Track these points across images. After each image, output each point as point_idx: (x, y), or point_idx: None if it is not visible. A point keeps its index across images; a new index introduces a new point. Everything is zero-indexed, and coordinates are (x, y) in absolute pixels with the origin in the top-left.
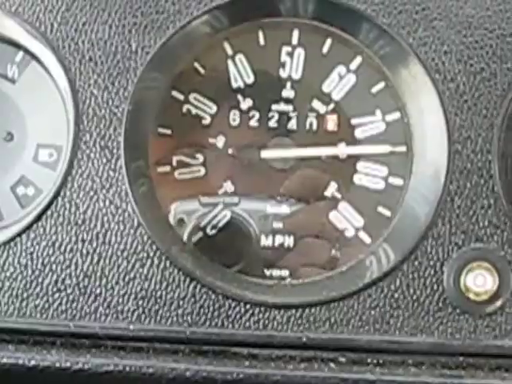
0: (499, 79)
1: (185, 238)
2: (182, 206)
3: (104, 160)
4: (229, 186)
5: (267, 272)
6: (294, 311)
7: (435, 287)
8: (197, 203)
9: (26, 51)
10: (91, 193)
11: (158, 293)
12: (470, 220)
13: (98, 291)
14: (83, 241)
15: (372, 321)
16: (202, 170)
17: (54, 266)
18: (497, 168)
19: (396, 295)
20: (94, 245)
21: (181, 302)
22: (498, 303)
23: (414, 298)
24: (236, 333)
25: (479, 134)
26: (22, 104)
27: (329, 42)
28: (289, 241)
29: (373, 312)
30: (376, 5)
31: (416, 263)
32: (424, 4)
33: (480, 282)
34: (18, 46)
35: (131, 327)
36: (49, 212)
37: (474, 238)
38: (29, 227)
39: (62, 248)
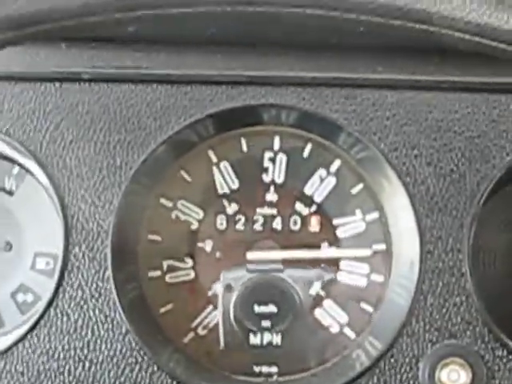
0: (468, 180)
1: (232, 303)
2: (230, 274)
3: (93, 271)
4: (218, 288)
5: (256, 369)
6: None
7: (411, 383)
8: (244, 270)
9: (21, 165)
10: (81, 302)
11: None
12: (443, 317)
13: None
14: (75, 348)
15: None
16: (192, 274)
17: (48, 373)
18: (467, 266)
19: None
20: (86, 352)
21: None
22: None
23: None
24: None
25: (450, 234)
26: (20, 215)
27: (309, 146)
28: (277, 339)
29: None
30: (348, 113)
31: (392, 360)
32: (394, 110)
33: (454, 377)
34: (13, 160)
35: None
36: (42, 321)
37: (447, 334)
38: (25, 336)
39: (56, 356)
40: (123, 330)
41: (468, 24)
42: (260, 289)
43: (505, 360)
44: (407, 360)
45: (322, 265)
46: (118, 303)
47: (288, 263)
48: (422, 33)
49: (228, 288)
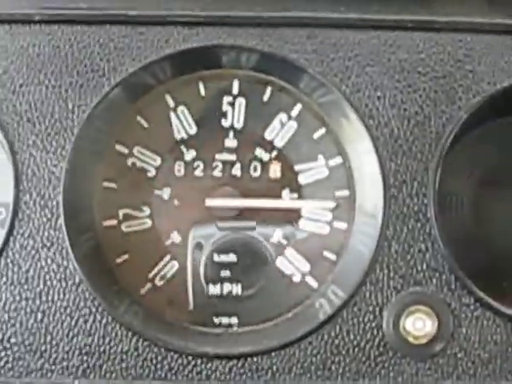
0: (433, 122)
1: (202, 260)
2: (200, 231)
3: (44, 219)
4: (176, 237)
5: (216, 320)
6: (235, 361)
7: (375, 332)
8: (214, 227)
9: None
10: (33, 252)
11: (102, 348)
12: (407, 264)
13: (43, 348)
14: (27, 299)
15: (314, 368)
16: (149, 222)
17: None
18: (433, 211)
19: (336, 341)
20: (38, 303)
21: (124, 356)
22: (438, 346)
23: (355, 343)
24: None
25: (414, 178)
26: None
27: (269, 90)
28: (236, 289)
29: (314, 359)
30: (308, 54)
31: (355, 309)
32: (356, 50)
33: (419, 325)
34: None
35: (76, 382)
36: None
37: (412, 281)
38: None
39: (7, 307)
40: (76, 280)
41: None
42: (229, 245)
43: (472, 307)
44: (371, 308)
45: (287, 214)
46: (70, 252)
47: (258, 220)
48: None
49: (198, 246)
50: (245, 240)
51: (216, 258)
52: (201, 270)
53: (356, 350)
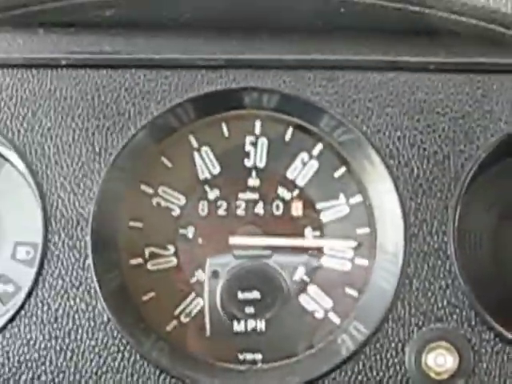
0: (452, 161)
1: (218, 290)
2: (216, 260)
3: (73, 259)
4: (200, 275)
5: (241, 356)
6: None
7: (398, 368)
8: (231, 256)
9: (0, 154)
10: (62, 292)
11: None
12: (428, 301)
13: None
14: (56, 338)
15: None
16: (174, 260)
17: (29, 364)
18: (453, 249)
19: (360, 377)
20: (67, 341)
21: None
22: (460, 381)
23: (378, 379)
24: None
25: (434, 216)
26: None
27: (290, 130)
28: (261, 325)
29: None
30: (329, 95)
31: (378, 345)
32: (377, 92)
33: (441, 361)
34: None
35: None
36: (22, 312)
37: (433, 318)
38: (4, 327)
39: (37, 346)
40: (104, 319)
41: (464, 6)
42: (246, 275)
43: (492, 343)
44: (393, 345)
45: (310, 251)
46: (98, 292)
47: (275, 249)
48: (415, 14)
49: (214, 274)
50: (261, 268)
51: (240, 295)
52: (217, 302)
53: None
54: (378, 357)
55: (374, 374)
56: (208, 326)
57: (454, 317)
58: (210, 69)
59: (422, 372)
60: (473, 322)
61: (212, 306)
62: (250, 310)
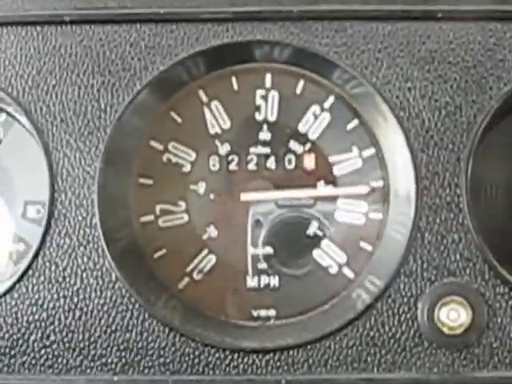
0: (464, 112)
1: (261, 238)
2: (259, 209)
3: (80, 218)
4: (212, 231)
5: (254, 313)
6: (272, 355)
7: (410, 323)
8: (273, 205)
9: (9, 113)
10: (69, 250)
11: (140, 344)
12: (441, 255)
13: (81, 345)
14: (64, 297)
15: (349, 360)
16: (186, 217)
17: (38, 324)
18: (465, 201)
19: (372, 333)
20: (75, 301)
21: (162, 352)
22: (473, 336)
23: (390, 335)
24: (216, 378)
25: (446, 168)
26: (8, 163)
27: (301, 83)
28: (274, 281)
29: (350, 351)
30: (338, 47)
31: (390, 300)
32: (386, 42)
33: (454, 316)
34: (1, 108)
35: (115, 378)
36: (30, 271)
37: (446, 272)
38: (12, 287)
39: (45, 306)
40: (113, 278)
41: None
42: (288, 225)
43: (506, 297)
44: (405, 300)
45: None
46: (106, 250)
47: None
48: None
49: (257, 223)
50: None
51: (251, 250)
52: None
53: (391, 341)
54: (391, 312)
55: (387, 329)
56: (250, 267)
57: (467, 271)
58: (216, 22)
59: (435, 327)
60: (486, 276)
61: (223, 262)
62: (262, 265)
